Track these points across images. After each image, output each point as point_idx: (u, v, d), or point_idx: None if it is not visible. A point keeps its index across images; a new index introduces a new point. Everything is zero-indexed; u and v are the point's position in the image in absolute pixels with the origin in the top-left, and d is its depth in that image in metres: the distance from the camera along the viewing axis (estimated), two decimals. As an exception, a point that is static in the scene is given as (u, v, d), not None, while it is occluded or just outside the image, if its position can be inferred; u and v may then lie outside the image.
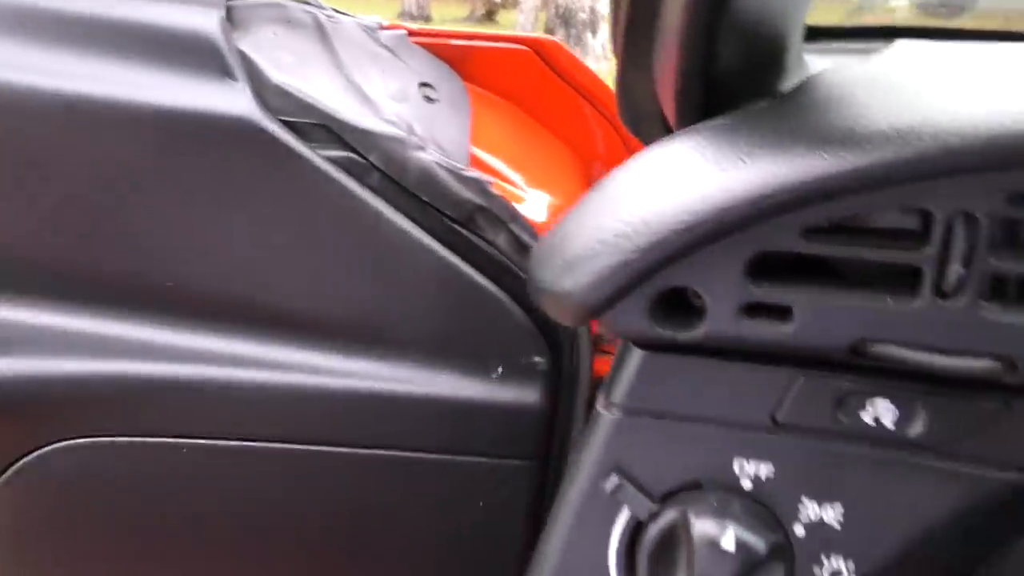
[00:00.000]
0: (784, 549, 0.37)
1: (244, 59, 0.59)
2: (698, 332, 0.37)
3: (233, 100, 0.58)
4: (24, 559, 0.63)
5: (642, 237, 0.35)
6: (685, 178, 0.37)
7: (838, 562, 0.38)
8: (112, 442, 0.59)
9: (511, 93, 0.79)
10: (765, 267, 0.37)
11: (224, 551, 0.65)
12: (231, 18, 0.62)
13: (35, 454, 0.59)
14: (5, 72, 0.56)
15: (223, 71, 0.58)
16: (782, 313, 0.37)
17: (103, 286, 0.59)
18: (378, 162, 0.60)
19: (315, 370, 0.61)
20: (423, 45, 0.75)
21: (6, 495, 0.59)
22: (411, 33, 0.74)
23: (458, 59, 0.79)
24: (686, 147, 0.39)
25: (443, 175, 0.61)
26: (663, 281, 0.37)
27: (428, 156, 0.61)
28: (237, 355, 0.60)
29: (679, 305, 0.38)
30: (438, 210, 0.61)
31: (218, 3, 0.61)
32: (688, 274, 0.36)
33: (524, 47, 0.79)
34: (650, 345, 0.38)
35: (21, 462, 0.59)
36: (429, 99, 0.68)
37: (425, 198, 0.61)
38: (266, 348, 0.61)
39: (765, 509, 0.37)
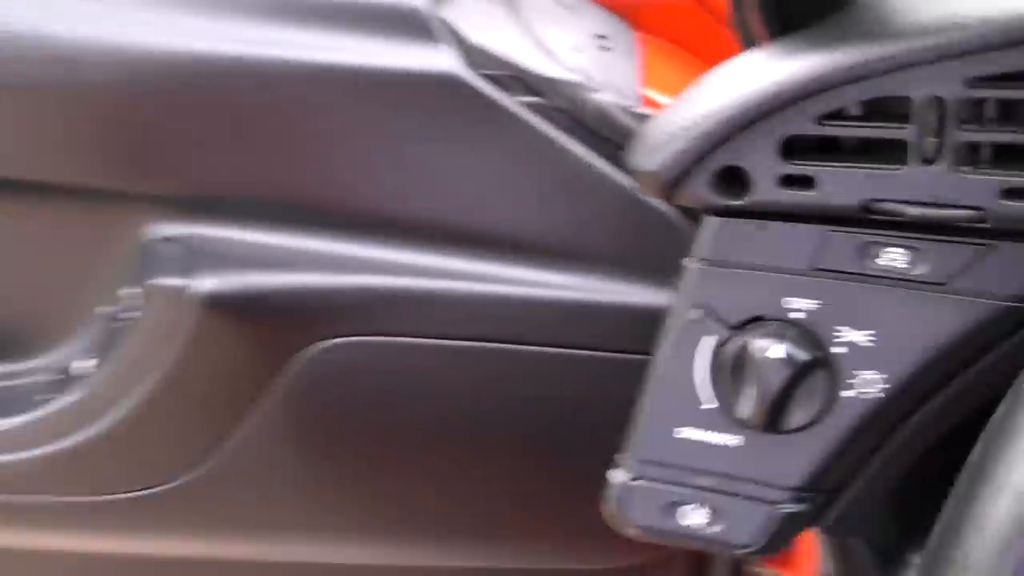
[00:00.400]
0: (825, 361, 0.49)
1: (447, 25, 0.72)
2: (747, 200, 0.49)
3: (441, 60, 0.71)
4: (298, 449, 0.81)
5: (700, 126, 0.48)
6: (735, 80, 0.49)
7: (870, 374, 0.49)
8: (362, 341, 0.74)
9: (679, 39, 0.89)
10: (793, 147, 0.48)
11: (454, 443, 0.79)
12: None
13: (308, 352, 0.75)
14: (262, 47, 0.71)
15: (431, 36, 0.72)
16: (809, 183, 0.48)
17: (348, 215, 0.74)
18: (561, 104, 0.72)
19: (521, 282, 0.74)
20: (597, 1, 0.86)
21: (288, 390, 0.76)
22: (587, -8, 0.85)
23: (630, 11, 0.90)
24: (749, 58, 0.52)
25: (617, 113, 0.72)
26: (717, 161, 0.49)
27: (603, 97, 0.72)
28: (456, 270, 0.74)
29: (733, 179, 0.49)
30: (614, 143, 0.72)
31: None
32: (735, 154, 0.48)
33: (687, -2, 0.89)
34: (716, 211, 0.51)
35: (298, 359, 0.75)
36: (603, 48, 0.79)
37: (603, 133, 0.72)
38: (479, 264, 0.74)
39: (810, 333, 0.49)
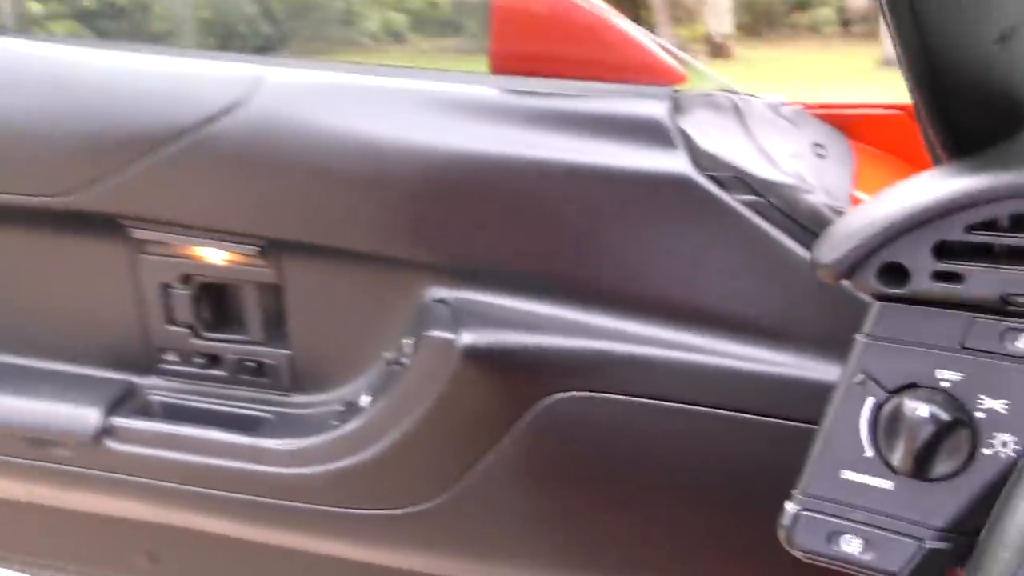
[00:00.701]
0: (967, 423, 0.57)
1: (683, 134, 0.86)
2: (906, 290, 0.59)
3: (675, 163, 0.84)
4: (533, 495, 0.93)
5: (871, 229, 0.59)
6: (905, 193, 0.60)
7: (1005, 436, 0.56)
8: (590, 396, 0.87)
9: (892, 148, 0.98)
10: (944, 248, 0.58)
11: (658, 490, 0.90)
12: (675, 105, 0.89)
13: (537, 406, 0.88)
14: (528, 149, 0.87)
15: (669, 143, 0.85)
16: (958, 278, 0.58)
17: (587, 288, 0.88)
18: (777, 203, 0.83)
19: (729, 354, 0.85)
20: (818, 115, 0.96)
21: (521, 441, 0.90)
22: (807, 106, 0.96)
23: (847, 124, 1.00)
24: (922, 176, 0.63)
25: (827, 212, 0.82)
26: (882, 257, 0.59)
27: (816, 198, 0.82)
28: (673, 340, 0.86)
29: (895, 272, 0.59)
30: None
31: (666, 94, 0.88)
32: (897, 253, 0.59)
33: (898, 111, 0.98)
34: (880, 297, 0.61)
35: (535, 408, 0.89)
36: (819, 156, 0.90)
37: (812, 229, 0.82)
38: (694, 336, 0.86)
39: (955, 400, 0.58)
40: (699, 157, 0.85)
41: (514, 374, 0.88)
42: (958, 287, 0.58)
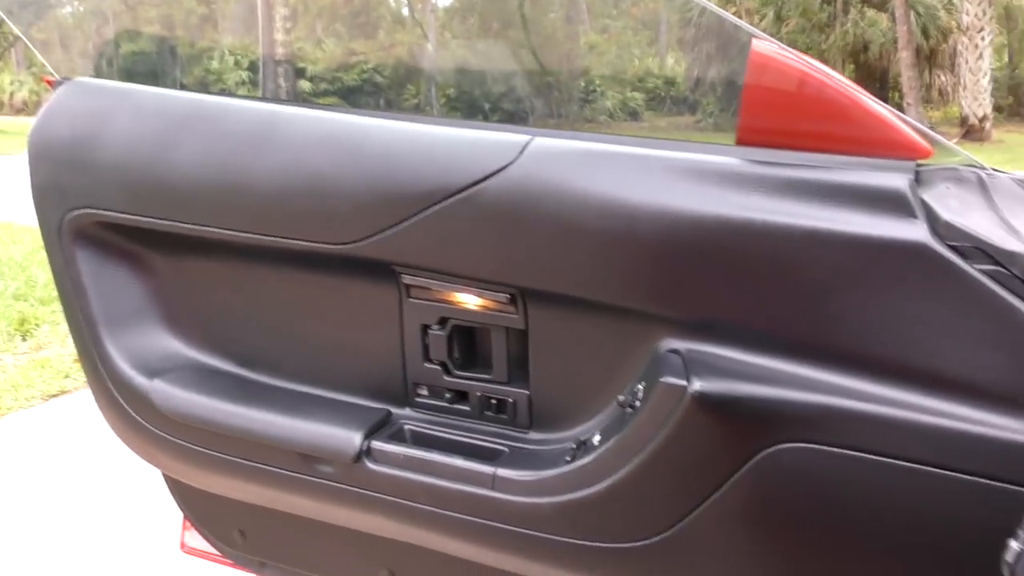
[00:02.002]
0: None
1: (924, 205, 0.88)
2: None
3: (914, 231, 0.87)
4: (752, 540, 0.97)
5: None
6: None
7: None
8: (813, 448, 0.90)
9: None
10: None
11: (873, 547, 0.91)
12: (918, 178, 0.92)
13: (762, 454, 0.92)
14: (770, 215, 0.92)
15: (909, 213, 0.88)
16: None
17: (818, 346, 0.91)
18: (1019, 273, 0.83)
19: (946, 414, 0.86)
20: None
21: (743, 487, 0.94)
22: (1058, 184, 0.95)
23: None
24: None
25: None
26: None
27: None
28: (903, 400, 0.87)
29: None
30: None
31: (909, 168, 0.91)
32: None
33: None
34: None
35: (753, 460, 0.92)
36: None
37: None
38: (927, 399, 0.87)
39: None
40: (939, 227, 0.87)
41: (740, 422, 0.92)
42: None
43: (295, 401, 1.23)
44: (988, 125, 12.86)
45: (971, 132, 12.73)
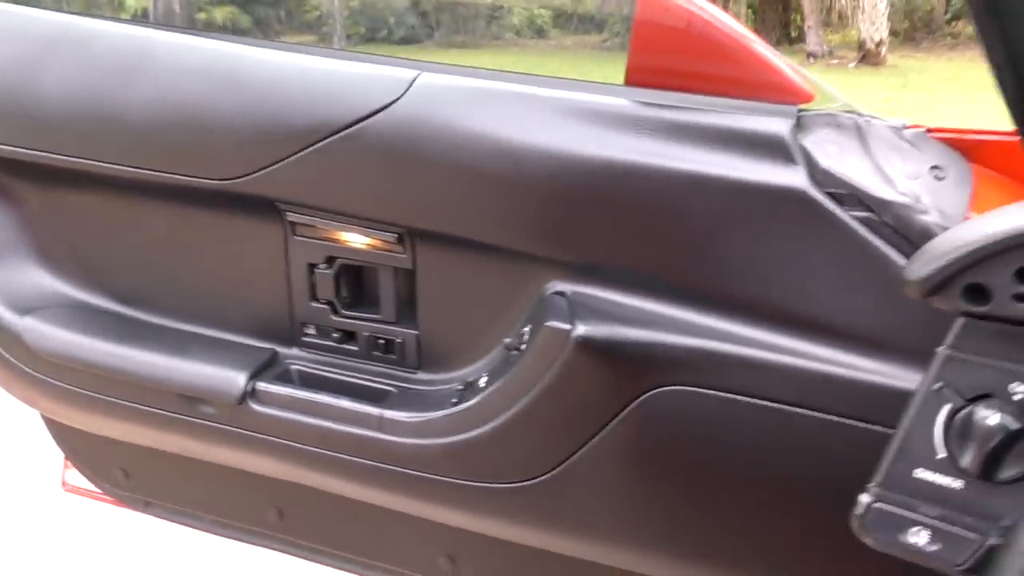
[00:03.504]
0: None
1: (804, 151, 0.89)
2: (987, 309, 0.63)
3: (793, 178, 0.88)
4: (633, 479, 0.99)
5: (959, 251, 0.63)
6: (996, 219, 0.63)
7: None
8: (692, 391, 0.92)
9: (1012, 173, 0.99)
10: None
11: (748, 482, 0.94)
12: (798, 123, 0.93)
13: (643, 396, 0.94)
14: (654, 158, 0.92)
15: (789, 159, 0.89)
16: None
17: (699, 290, 0.93)
18: (891, 221, 0.86)
19: (818, 358, 0.89)
20: (940, 139, 0.98)
21: (625, 428, 0.96)
22: (929, 130, 0.97)
23: (969, 148, 1.01)
24: (1015, 205, 0.66)
25: (939, 232, 0.84)
26: (967, 278, 0.63)
27: (929, 218, 0.85)
28: (772, 343, 0.90)
29: (979, 292, 0.63)
30: None
31: (791, 113, 0.92)
32: (981, 275, 0.63)
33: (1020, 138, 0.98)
34: (962, 315, 0.65)
35: (635, 402, 0.94)
36: (937, 178, 0.91)
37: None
38: (793, 340, 0.90)
39: None
40: (817, 173, 0.88)
41: (622, 366, 0.93)
42: None
43: (177, 340, 1.20)
44: (884, 50, 13.15)
45: (868, 57, 12.99)
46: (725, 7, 14.29)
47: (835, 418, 0.88)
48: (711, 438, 0.93)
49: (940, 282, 0.64)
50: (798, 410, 0.89)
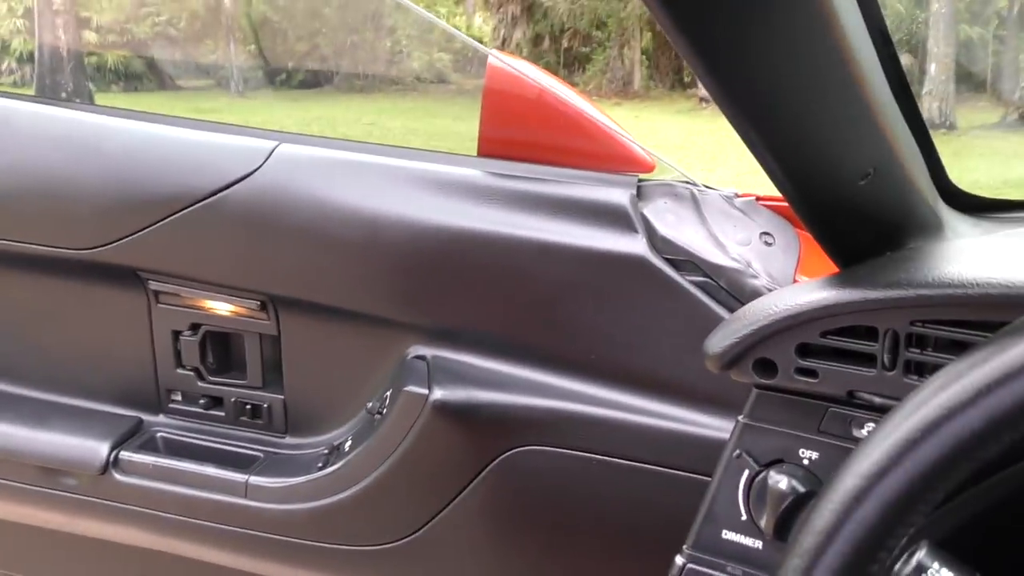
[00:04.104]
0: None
1: (644, 219, 0.95)
2: (775, 381, 0.69)
3: (635, 245, 0.93)
4: (493, 538, 1.02)
5: (749, 328, 0.68)
6: (781, 300, 0.68)
7: None
8: (545, 451, 0.96)
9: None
10: (809, 349, 0.68)
11: (599, 537, 0.98)
12: (639, 193, 0.98)
13: (499, 458, 0.97)
14: (503, 227, 0.97)
15: (630, 227, 0.94)
16: (815, 374, 0.68)
17: (550, 352, 0.97)
18: (724, 284, 0.92)
19: (661, 415, 0.94)
20: (768, 207, 1.05)
21: (483, 489, 0.98)
22: (759, 199, 1.04)
23: (793, 215, 1.08)
24: (800, 285, 0.72)
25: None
26: (757, 353, 0.69)
27: (759, 282, 0.91)
28: (624, 403, 0.95)
29: (768, 366, 0.69)
30: None
31: (632, 183, 0.98)
32: (769, 350, 0.68)
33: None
34: (755, 386, 0.71)
35: (492, 464, 0.98)
36: (767, 244, 0.98)
37: None
38: (645, 400, 0.94)
39: (813, 474, 0.67)
40: (656, 241, 0.94)
41: (478, 428, 0.97)
42: (815, 381, 0.68)
43: (36, 411, 1.18)
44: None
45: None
46: (620, 53, 14.72)
47: (673, 471, 0.93)
48: (563, 495, 0.97)
49: (734, 357, 0.70)
50: (640, 465, 0.94)
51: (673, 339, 0.93)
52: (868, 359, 0.66)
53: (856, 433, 0.67)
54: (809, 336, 0.67)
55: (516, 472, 0.97)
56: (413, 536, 1.02)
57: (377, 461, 1.00)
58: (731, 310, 0.91)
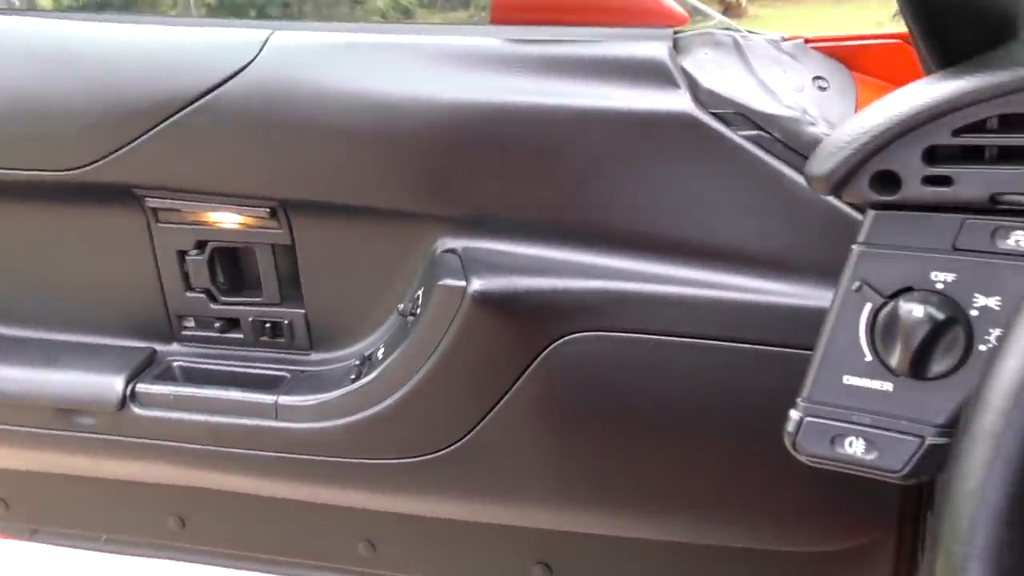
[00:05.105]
0: (962, 321, 0.58)
1: (685, 73, 0.86)
2: (898, 196, 0.60)
3: (678, 102, 0.85)
4: (550, 435, 0.95)
5: (861, 139, 0.60)
6: (894, 103, 0.60)
7: (999, 331, 0.56)
8: (598, 335, 0.88)
9: (893, 78, 0.98)
10: (935, 153, 0.59)
11: (671, 425, 0.91)
12: (676, 46, 0.89)
13: (550, 347, 0.89)
14: (532, 96, 0.88)
15: (671, 82, 0.85)
16: (947, 181, 0.59)
17: (594, 231, 0.89)
18: (779, 136, 0.83)
19: (722, 286, 0.86)
20: (819, 49, 0.96)
21: (535, 383, 0.91)
22: (808, 40, 0.96)
23: (848, 56, 0.99)
24: (912, 86, 0.62)
25: None
26: (874, 166, 0.60)
27: (817, 129, 0.82)
28: (678, 277, 0.87)
29: (888, 179, 0.60)
30: None
31: (667, 35, 0.89)
32: (888, 160, 0.60)
33: (897, 40, 0.98)
34: (873, 206, 0.62)
35: (542, 354, 0.90)
36: (821, 88, 0.90)
37: None
38: (703, 272, 0.86)
39: (950, 300, 0.58)
40: (701, 95, 0.85)
41: (524, 317, 0.89)
42: (948, 190, 0.59)
43: (43, 351, 1.10)
44: (744, 2, 13.47)
45: (730, 9, 13.26)
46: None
47: (747, 346, 0.85)
48: (624, 381, 0.90)
49: (846, 173, 0.61)
50: (709, 342, 0.86)
51: (728, 201, 0.85)
52: (1011, 155, 0.57)
53: (1002, 245, 0.58)
54: (939, 137, 0.58)
55: (568, 362, 0.89)
56: (460, 442, 0.95)
57: (415, 366, 0.92)
58: (789, 163, 0.83)
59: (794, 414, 0.63)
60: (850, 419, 0.61)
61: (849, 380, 0.62)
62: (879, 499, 0.90)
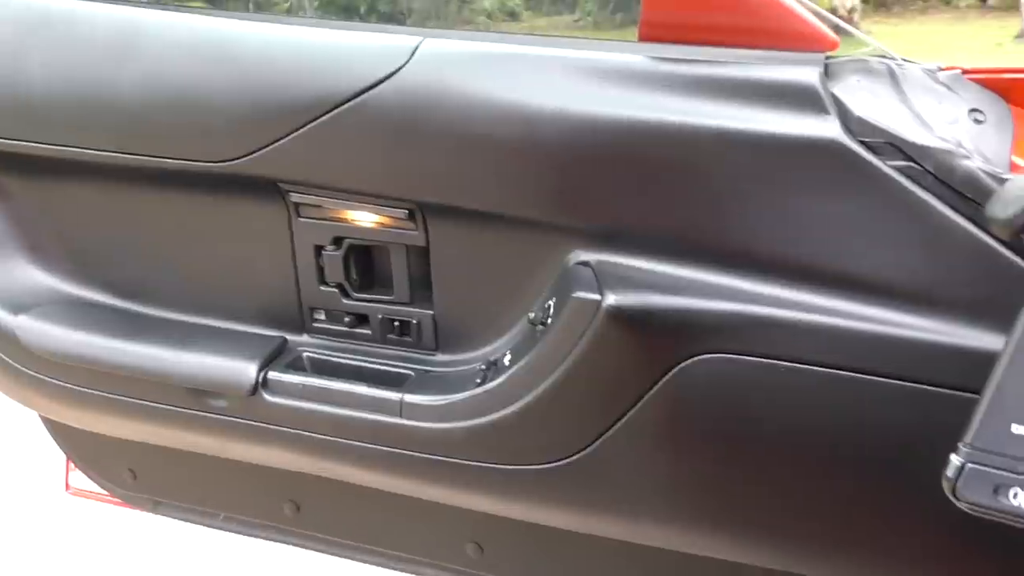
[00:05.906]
0: None
1: (835, 100, 0.85)
2: None
3: (827, 128, 0.84)
4: (672, 454, 0.95)
5: None
6: None
7: None
8: (729, 358, 0.88)
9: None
10: None
11: (797, 454, 0.90)
12: (827, 71, 0.88)
13: (680, 366, 0.89)
14: (678, 116, 0.88)
15: (820, 109, 0.85)
16: None
17: (730, 252, 0.88)
18: (931, 168, 0.82)
19: (860, 317, 0.85)
20: (977, 81, 0.94)
21: (661, 400, 0.91)
22: (965, 72, 0.93)
23: (1007, 89, 0.96)
24: None
25: (984, 178, 0.80)
26: None
27: (972, 163, 0.81)
28: (815, 304, 0.86)
29: None
30: (976, 203, 0.80)
31: (818, 60, 0.88)
32: None
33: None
34: None
35: (671, 372, 0.90)
36: (977, 121, 0.88)
37: (968, 195, 0.80)
38: (843, 302, 0.85)
39: None
40: (851, 122, 0.84)
41: (656, 335, 0.89)
42: None
43: (181, 332, 1.15)
44: (856, 16, 13.14)
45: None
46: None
47: (882, 379, 0.84)
48: (754, 407, 0.89)
49: None
50: (843, 372, 0.85)
51: (872, 232, 0.84)
52: None
53: None
54: None
55: (696, 382, 0.89)
56: (581, 454, 0.96)
57: (543, 374, 0.94)
58: (940, 197, 0.82)
59: (955, 459, 0.62)
60: (1016, 469, 0.60)
61: (1018, 429, 0.60)
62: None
